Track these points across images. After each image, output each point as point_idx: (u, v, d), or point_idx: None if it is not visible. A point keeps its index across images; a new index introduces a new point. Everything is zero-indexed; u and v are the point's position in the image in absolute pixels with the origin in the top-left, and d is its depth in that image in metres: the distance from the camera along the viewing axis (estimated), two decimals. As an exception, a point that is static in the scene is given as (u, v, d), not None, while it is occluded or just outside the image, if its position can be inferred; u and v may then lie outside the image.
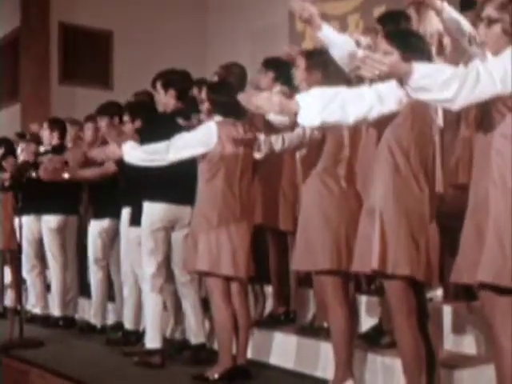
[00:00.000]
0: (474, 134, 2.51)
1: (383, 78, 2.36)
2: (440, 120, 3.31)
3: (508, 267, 2.24)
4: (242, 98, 2.97)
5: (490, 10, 2.38)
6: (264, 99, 2.65)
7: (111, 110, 4.96)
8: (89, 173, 5.02)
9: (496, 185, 2.30)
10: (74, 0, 9.46)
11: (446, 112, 3.45)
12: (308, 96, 2.64)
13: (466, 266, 2.36)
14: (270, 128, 3.72)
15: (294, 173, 4.21)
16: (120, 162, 4.33)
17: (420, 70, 2.27)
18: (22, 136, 6.59)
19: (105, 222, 5.14)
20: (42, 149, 5.90)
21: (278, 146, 3.62)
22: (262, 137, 3.61)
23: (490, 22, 2.38)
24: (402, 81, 2.29)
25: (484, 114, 2.36)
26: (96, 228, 5.18)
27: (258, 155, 3.65)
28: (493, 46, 2.39)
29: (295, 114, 2.61)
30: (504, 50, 2.31)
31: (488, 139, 2.34)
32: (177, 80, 4.32)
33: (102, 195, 5.13)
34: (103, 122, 5.00)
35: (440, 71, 2.27)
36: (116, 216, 4.93)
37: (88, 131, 5.39)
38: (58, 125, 5.81)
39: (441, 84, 2.23)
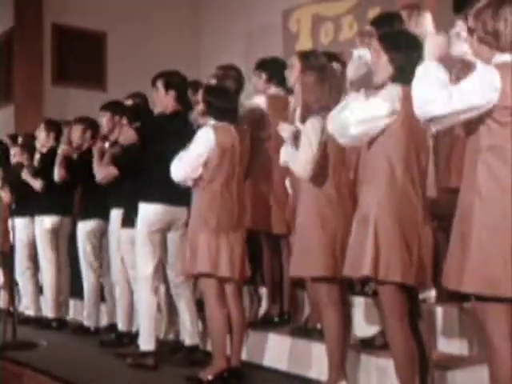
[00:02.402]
0: (463, 142, 2.54)
1: None
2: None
3: (489, 277, 2.27)
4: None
5: (469, 20, 2.42)
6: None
7: (114, 107, 4.95)
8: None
9: (481, 196, 2.32)
10: (67, 1, 9.44)
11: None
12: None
13: (453, 273, 2.38)
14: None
15: (287, 175, 4.22)
16: (120, 163, 4.33)
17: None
18: (14, 138, 6.57)
19: (91, 224, 5.13)
20: (38, 150, 5.88)
21: None
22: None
23: (469, 31, 2.41)
24: None
25: (471, 127, 2.38)
26: (83, 230, 5.18)
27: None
28: (478, 55, 2.42)
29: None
30: (488, 58, 2.36)
31: (475, 151, 2.36)
32: (177, 82, 4.32)
33: (88, 197, 5.12)
34: (105, 118, 4.99)
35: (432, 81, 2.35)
36: (103, 217, 4.92)
37: (76, 132, 5.37)
38: (55, 126, 5.80)
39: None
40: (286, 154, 3.37)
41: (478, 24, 2.36)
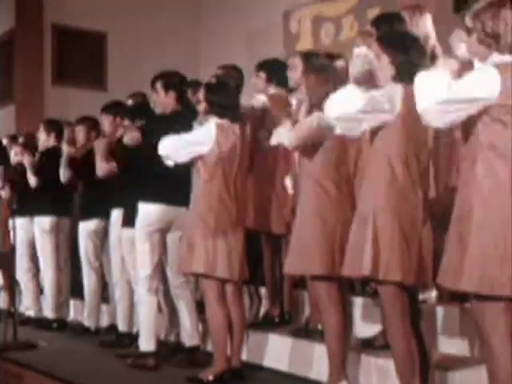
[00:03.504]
0: (462, 143, 2.53)
1: None
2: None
3: (487, 276, 2.27)
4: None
5: (467, 20, 2.41)
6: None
7: (115, 109, 4.94)
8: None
9: (480, 194, 2.32)
10: (67, 1, 9.43)
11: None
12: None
13: (450, 272, 2.38)
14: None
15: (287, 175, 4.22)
16: (122, 162, 4.33)
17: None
18: (14, 138, 6.57)
19: (92, 223, 5.13)
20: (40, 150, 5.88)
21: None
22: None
23: (468, 31, 2.41)
24: None
25: (470, 125, 2.38)
26: (84, 229, 5.18)
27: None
28: (476, 55, 2.42)
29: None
30: (486, 58, 2.35)
31: (473, 150, 2.36)
32: (177, 82, 4.31)
33: (90, 196, 5.12)
34: (106, 121, 4.98)
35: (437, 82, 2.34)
36: (104, 217, 4.92)
37: (80, 133, 5.37)
38: (55, 126, 5.79)
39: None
40: (278, 134, 3.39)
41: (477, 25, 2.36)
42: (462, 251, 2.32)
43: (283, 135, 3.34)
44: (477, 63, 2.41)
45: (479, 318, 2.37)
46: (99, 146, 4.68)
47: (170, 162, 3.76)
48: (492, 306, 2.32)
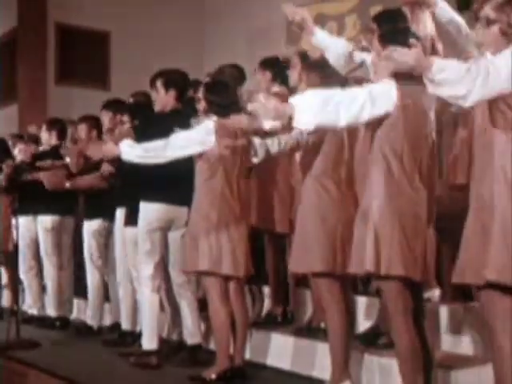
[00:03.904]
0: (475, 132, 2.51)
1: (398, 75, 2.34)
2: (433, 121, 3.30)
3: (510, 265, 2.25)
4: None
5: (488, 11, 2.39)
6: (259, 105, 2.63)
7: (116, 106, 4.96)
8: (88, 180, 5.01)
9: (500, 183, 2.30)
10: (70, 1, 9.45)
11: (443, 112, 3.45)
12: (302, 99, 2.63)
13: (471, 266, 2.36)
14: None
15: (290, 174, 4.21)
16: (116, 162, 4.33)
17: (437, 65, 2.30)
18: (18, 137, 6.58)
19: (96, 223, 5.13)
20: (40, 149, 5.89)
21: (274, 149, 3.62)
22: (257, 141, 3.61)
23: (489, 22, 2.38)
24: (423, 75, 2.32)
25: (485, 113, 2.36)
26: (88, 229, 5.18)
27: (255, 160, 3.66)
28: (491, 47, 2.40)
29: (290, 118, 2.59)
30: (502, 50, 2.32)
31: (489, 138, 2.34)
32: (177, 80, 4.31)
33: (93, 196, 5.13)
34: (106, 117, 5.00)
35: (454, 68, 2.30)
36: (107, 216, 4.93)
37: (82, 132, 5.39)
38: (57, 125, 5.80)
39: (455, 80, 2.27)
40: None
41: (501, 16, 2.34)
42: (487, 242, 2.30)
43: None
44: (489, 55, 2.39)
45: (489, 315, 2.36)
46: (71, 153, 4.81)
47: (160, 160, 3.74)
48: (504, 302, 2.31)
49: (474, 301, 3.39)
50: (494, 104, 2.31)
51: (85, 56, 9.61)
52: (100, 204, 5.04)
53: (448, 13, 3.40)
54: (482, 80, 2.23)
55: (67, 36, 9.57)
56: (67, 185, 5.09)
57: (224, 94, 3.80)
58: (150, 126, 4.20)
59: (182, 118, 4.18)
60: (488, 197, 2.32)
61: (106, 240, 5.17)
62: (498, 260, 2.26)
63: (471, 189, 2.44)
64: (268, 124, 3.34)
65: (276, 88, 4.44)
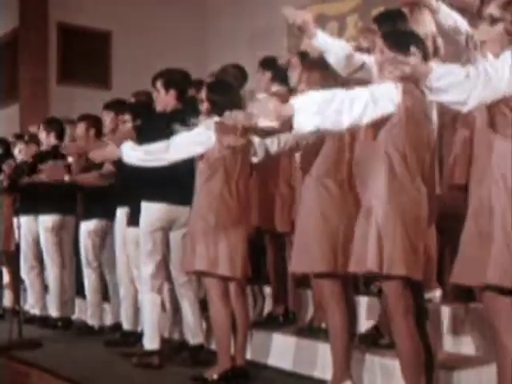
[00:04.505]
0: (475, 133, 2.50)
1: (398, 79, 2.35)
2: (435, 121, 3.30)
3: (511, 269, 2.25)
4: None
5: (492, 9, 2.38)
6: (259, 106, 2.63)
7: (118, 107, 4.96)
8: (88, 177, 5.01)
9: (499, 186, 2.30)
10: (72, 0, 9.45)
11: (443, 113, 3.45)
12: (303, 100, 2.63)
13: (468, 267, 2.36)
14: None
15: (291, 174, 4.21)
16: (118, 163, 4.33)
17: (436, 73, 2.28)
18: (19, 137, 6.58)
19: (92, 223, 5.13)
20: (41, 149, 5.89)
21: (273, 149, 3.62)
22: (256, 141, 3.60)
23: (493, 20, 2.38)
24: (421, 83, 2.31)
25: (485, 115, 2.36)
26: (85, 229, 5.19)
27: (254, 160, 3.66)
28: (494, 45, 2.39)
29: (290, 119, 2.59)
30: (506, 48, 2.33)
31: (489, 140, 2.34)
32: (178, 80, 4.30)
33: (90, 196, 5.13)
34: (108, 118, 5.01)
35: (453, 73, 2.29)
36: (104, 216, 4.94)
37: (79, 130, 5.38)
38: (54, 125, 5.79)
39: (454, 87, 2.26)
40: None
41: (506, 15, 2.34)
42: (484, 245, 2.30)
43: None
44: (489, 56, 2.38)
45: (491, 316, 2.35)
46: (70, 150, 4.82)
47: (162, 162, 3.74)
48: (507, 303, 2.31)
49: (476, 301, 3.39)
50: (495, 106, 2.30)
51: (86, 56, 9.61)
52: (96, 204, 5.04)
53: (449, 18, 3.41)
54: (482, 85, 2.22)
55: (68, 36, 9.56)
56: (66, 178, 5.07)
57: (227, 94, 3.80)
58: (151, 126, 4.20)
59: (183, 117, 4.19)
60: (486, 200, 2.32)
61: (102, 240, 5.17)
62: (499, 263, 2.26)
63: (470, 189, 2.43)
64: (263, 122, 3.34)
65: (275, 88, 4.44)
